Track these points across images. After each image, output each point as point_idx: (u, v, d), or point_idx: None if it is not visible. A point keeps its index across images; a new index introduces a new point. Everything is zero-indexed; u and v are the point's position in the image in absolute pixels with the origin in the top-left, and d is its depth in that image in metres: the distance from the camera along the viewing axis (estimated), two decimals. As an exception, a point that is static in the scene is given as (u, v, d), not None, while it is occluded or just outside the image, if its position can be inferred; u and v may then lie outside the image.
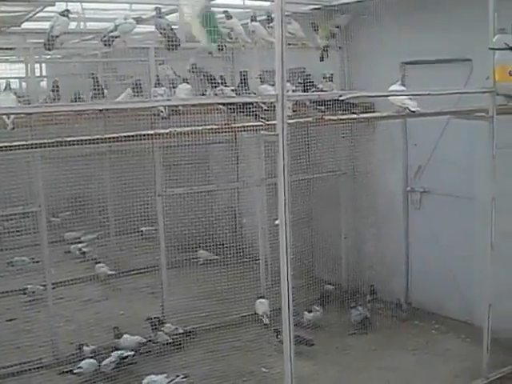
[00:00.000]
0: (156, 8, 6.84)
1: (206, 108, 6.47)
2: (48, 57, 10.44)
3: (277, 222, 4.83)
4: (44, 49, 6.59)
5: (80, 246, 10.47)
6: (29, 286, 8.57)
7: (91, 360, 6.50)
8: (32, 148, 5.85)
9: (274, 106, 4.72)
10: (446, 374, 6.38)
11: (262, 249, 8.17)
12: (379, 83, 6.34)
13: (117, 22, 6.57)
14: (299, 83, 7.05)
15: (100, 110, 6.17)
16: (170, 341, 7.07)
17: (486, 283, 6.03)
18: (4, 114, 5.41)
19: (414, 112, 5.87)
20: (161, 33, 6.77)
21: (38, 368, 6.79)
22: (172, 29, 6.79)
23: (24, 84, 10.65)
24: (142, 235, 9.81)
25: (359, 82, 8.14)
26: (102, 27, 7.77)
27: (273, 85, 5.12)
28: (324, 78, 7.71)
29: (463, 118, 6.40)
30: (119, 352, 6.63)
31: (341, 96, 5.91)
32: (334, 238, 8.69)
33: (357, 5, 7.70)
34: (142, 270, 9.41)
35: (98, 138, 5.64)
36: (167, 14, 7.24)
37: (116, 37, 6.53)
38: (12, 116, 5.64)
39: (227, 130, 5.73)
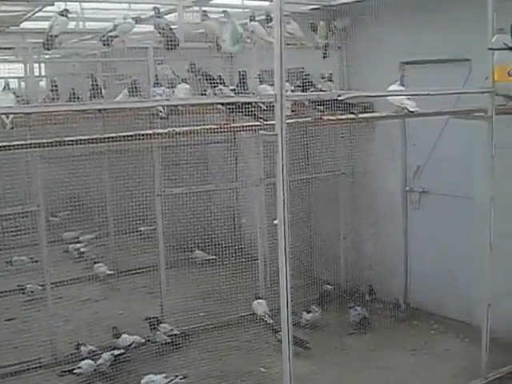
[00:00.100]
0: (155, 8, 6.83)
1: (204, 108, 6.46)
2: (47, 56, 10.45)
3: (276, 221, 4.83)
4: (43, 48, 6.58)
5: (78, 245, 10.46)
6: (28, 286, 8.57)
7: (89, 361, 6.50)
8: (31, 148, 5.83)
9: (273, 106, 4.72)
10: (444, 374, 6.38)
11: (261, 249, 8.17)
12: (378, 83, 6.34)
13: (116, 22, 6.56)
14: (297, 86, 7.02)
15: (99, 110, 6.16)
16: (169, 341, 7.08)
17: (484, 283, 6.03)
18: (3, 113, 5.41)
19: (412, 112, 5.88)
20: (160, 32, 6.77)
21: (36, 368, 6.80)
22: (171, 28, 6.78)
23: (23, 84, 10.63)
24: (140, 235, 9.81)
25: (358, 82, 8.14)
26: (101, 27, 7.76)
27: (272, 85, 5.11)
28: (322, 77, 7.71)
29: (462, 118, 6.39)
30: (112, 351, 6.64)
31: (340, 96, 5.91)
32: (333, 237, 8.70)
33: (356, 5, 7.70)
34: (140, 270, 9.40)
35: (96, 138, 5.63)
36: (166, 14, 7.24)
37: (115, 36, 6.51)
38: (11, 116, 5.62)
39: (226, 129, 5.72)
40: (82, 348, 6.77)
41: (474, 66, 6.80)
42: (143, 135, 5.60)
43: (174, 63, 8.68)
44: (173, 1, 7.26)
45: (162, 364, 6.70)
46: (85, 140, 5.50)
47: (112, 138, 5.62)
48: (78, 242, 10.57)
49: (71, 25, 7.63)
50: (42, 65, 11.60)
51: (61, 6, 6.77)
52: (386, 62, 7.66)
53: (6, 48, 8.47)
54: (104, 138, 5.67)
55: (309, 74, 7.54)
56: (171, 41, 6.69)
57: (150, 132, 5.89)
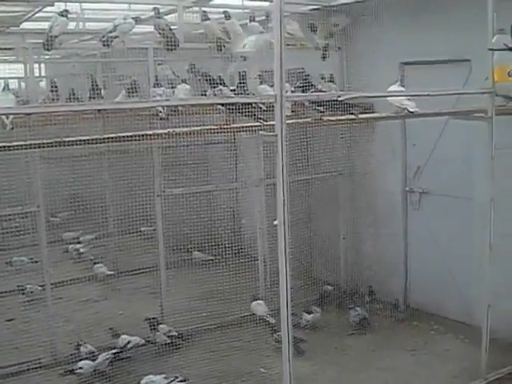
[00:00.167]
0: (155, 8, 6.84)
1: (204, 108, 6.46)
2: (47, 57, 10.42)
3: (276, 222, 4.83)
4: (43, 49, 6.57)
5: (78, 246, 10.46)
6: (28, 286, 8.57)
7: (88, 361, 6.50)
8: (31, 148, 5.82)
9: (273, 107, 4.72)
10: (444, 374, 6.38)
11: (261, 249, 8.17)
12: (378, 84, 6.34)
13: (116, 23, 6.57)
14: (297, 87, 7.02)
15: (99, 111, 6.16)
16: (169, 341, 7.08)
17: (484, 283, 6.03)
18: (3, 114, 5.41)
19: (412, 113, 5.88)
20: (160, 33, 6.77)
21: (36, 368, 6.79)
22: (171, 29, 6.78)
23: (23, 84, 10.63)
24: (141, 235, 9.81)
25: (358, 83, 8.13)
26: (101, 27, 7.76)
27: (272, 85, 5.11)
28: (322, 78, 7.70)
29: (462, 118, 6.39)
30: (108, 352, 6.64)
31: (339, 96, 5.90)
32: (333, 238, 8.69)
33: (356, 5, 7.70)
34: (141, 270, 9.40)
35: (96, 139, 5.63)
36: (166, 15, 7.25)
37: (115, 37, 6.52)
38: (11, 116, 5.63)
39: (226, 130, 5.72)
40: (82, 348, 6.77)
41: (474, 66, 6.80)
42: (143, 136, 5.61)
43: (174, 64, 8.66)
44: (173, 1, 7.27)
45: (162, 364, 6.70)
46: (85, 140, 5.50)
47: (112, 138, 5.62)
48: (79, 243, 10.58)
49: (71, 25, 7.63)
50: (42, 65, 11.58)
51: (61, 6, 6.77)
52: (386, 62, 7.66)
53: (6, 48, 8.46)
54: (104, 139, 5.68)
55: (309, 75, 7.54)
56: (171, 41, 6.69)
57: (150, 132, 5.90)
